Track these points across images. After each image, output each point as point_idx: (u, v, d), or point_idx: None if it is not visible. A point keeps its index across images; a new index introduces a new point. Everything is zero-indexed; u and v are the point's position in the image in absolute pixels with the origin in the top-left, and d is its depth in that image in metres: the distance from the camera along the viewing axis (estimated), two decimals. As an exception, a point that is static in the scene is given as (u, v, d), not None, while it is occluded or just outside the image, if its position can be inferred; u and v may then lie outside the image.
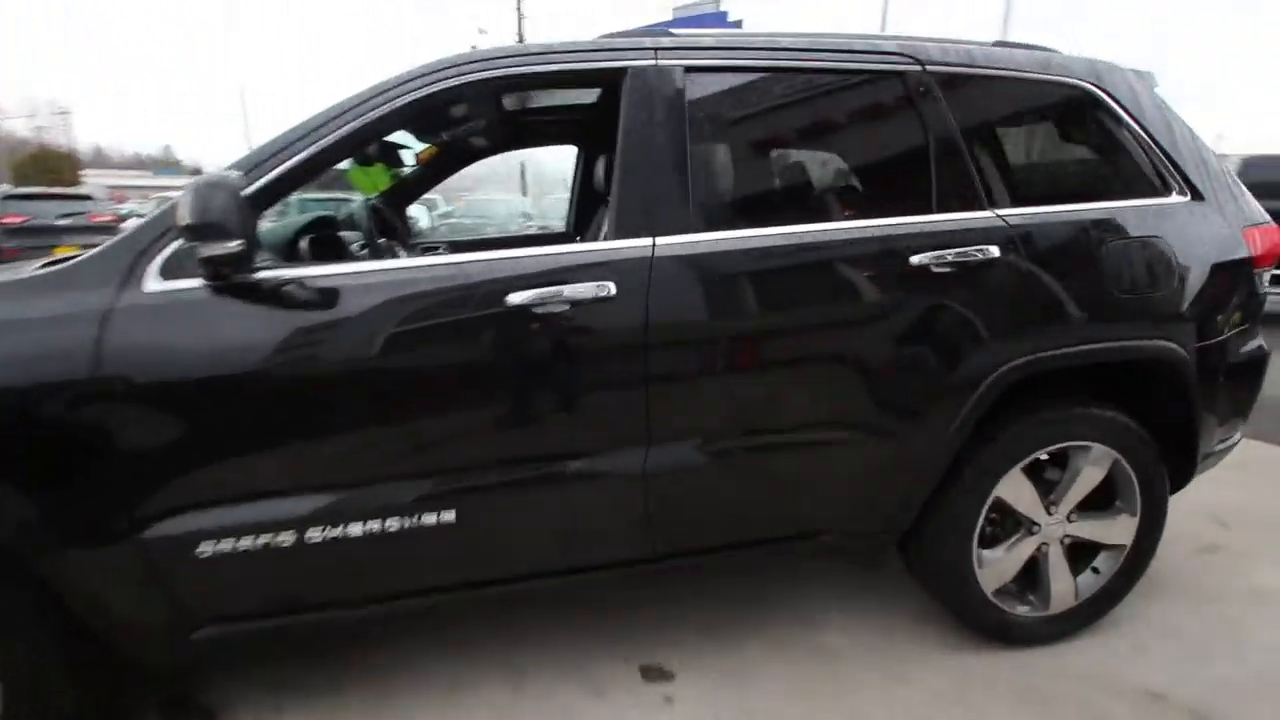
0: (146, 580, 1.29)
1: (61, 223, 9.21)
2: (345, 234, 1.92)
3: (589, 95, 2.36)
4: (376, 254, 1.69)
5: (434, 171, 2.63)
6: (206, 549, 1.28)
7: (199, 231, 1.12)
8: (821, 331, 1.47)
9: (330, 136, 1.31)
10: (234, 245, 1.12)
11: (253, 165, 1.29)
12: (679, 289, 1.38)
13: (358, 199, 2.44)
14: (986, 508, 1.65)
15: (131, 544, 1.26)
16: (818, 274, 1.46)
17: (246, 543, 1.29)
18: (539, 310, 1.31)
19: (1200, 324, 1.68)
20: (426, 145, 2.44)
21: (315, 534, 1.31)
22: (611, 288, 1.33)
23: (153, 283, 1.25)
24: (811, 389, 1.49)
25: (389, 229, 2.02)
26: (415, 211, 2.93)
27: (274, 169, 1.29)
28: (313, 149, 1.30)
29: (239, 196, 1.13)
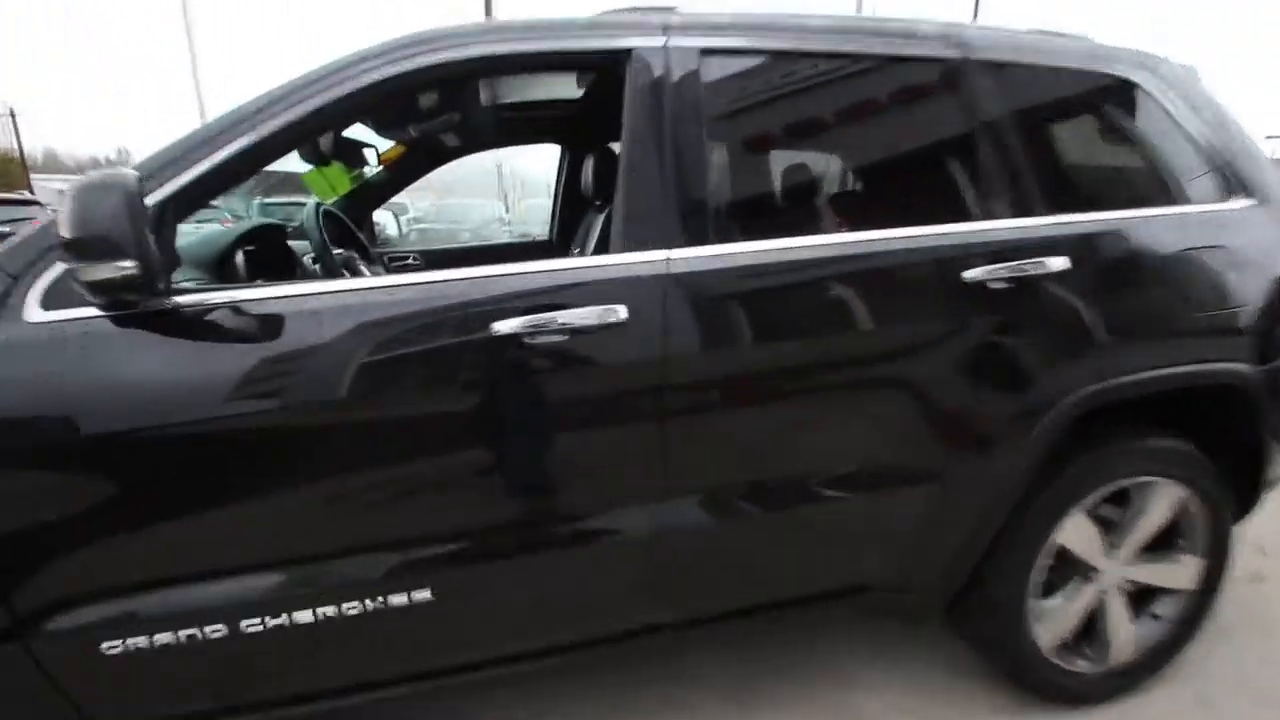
0: (39, 686, 1.03)
1: (5, 230, 8.64)
2: (297, 244, 1.65)
3: (574, 87, 2.13)
4: (330, 269, 1.43)
5: (400, 173, 2.36)
6: (114, 646, 1.01)
7: (81, 248, 0.85)
8: (866, 361, 1.25)
9: (262, 129, 1.05)
10: (126, 265, 0.86)
11: (164, 165, 1.02)
12: (700, 312, 1.15)
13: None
14: (1043, 554, 1.45)
15: (16, 643, 0.99)
16: (858, 292, 1.23)
17: (166, 637, 1.03)
18: (532, 341, 1.07)
19: (1266, 342, 1.50)
20: (392, 144, 2.17)
21: (253, 624, 1.05)
22: (621, 312, 1.09)
23: (34, 313, 0.97)
24: (854, 428, 1.26)
25: (348, 238, 1.76)
26: (381, 218, 2.66)
27: (191, 169, 1.03)
28: (240, 144, 1.04)
29: (135, 202, 0.86)
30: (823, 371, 1.23)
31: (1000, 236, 1.30)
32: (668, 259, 1.14)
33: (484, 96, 1.96)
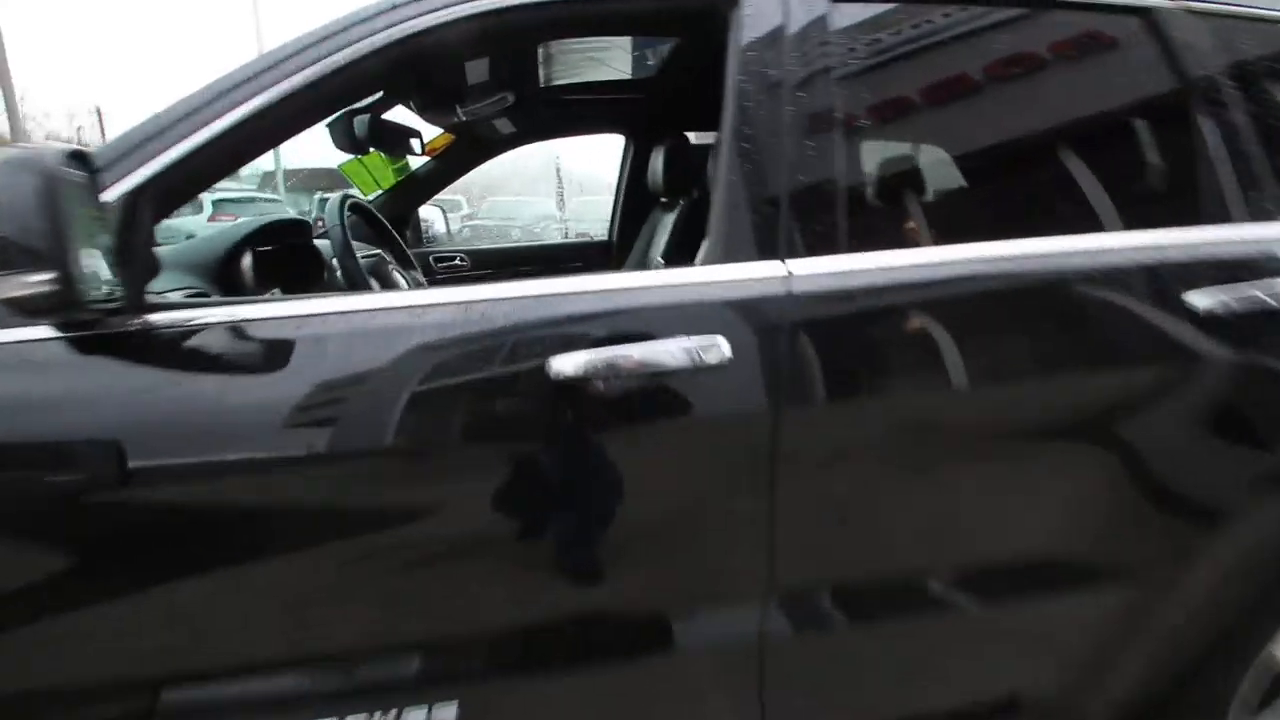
0: None
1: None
2: (324, 243, 1.42)
3: (643, 65, 1.85)
4: (354, 277, 1.19)
5: (448, 165, 2.14)
6: None
7: None
8: (1048, 415, 0.92)
9: (253, 102, 0.80)
10: (40, 280, 0.62)
11: (135, 145, 0.79)
12: (830, 346, 0.84)
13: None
14: (1258, 668, 1.09)
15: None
16: (1042, 321, 0.91)
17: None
18: (600, 386, 0.79)
19: None
20: (439, 131, 1.94)
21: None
22: (722, 347, 0.80)
23: (-33, 332, 0.76)
24: (1026, 505, 0.94)
25: (383, 237, 1.53)
26: (428, 214, 2.45)
27: (171, 149, 0.79)
28: (227, 121, 0.79)
29: (53, 191, 0.62)
30: (991, 430, 0.90)
31: (1242, 250, 0.96)
32: (788, 273, 0.84)
33: (542, 75, 1.70)
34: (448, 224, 2.83)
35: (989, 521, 0.93)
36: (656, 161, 1.86)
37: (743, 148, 0.87)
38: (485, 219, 10.22)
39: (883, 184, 0.93)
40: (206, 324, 0.79)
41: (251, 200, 11.50)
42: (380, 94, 1.51)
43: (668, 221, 1.94)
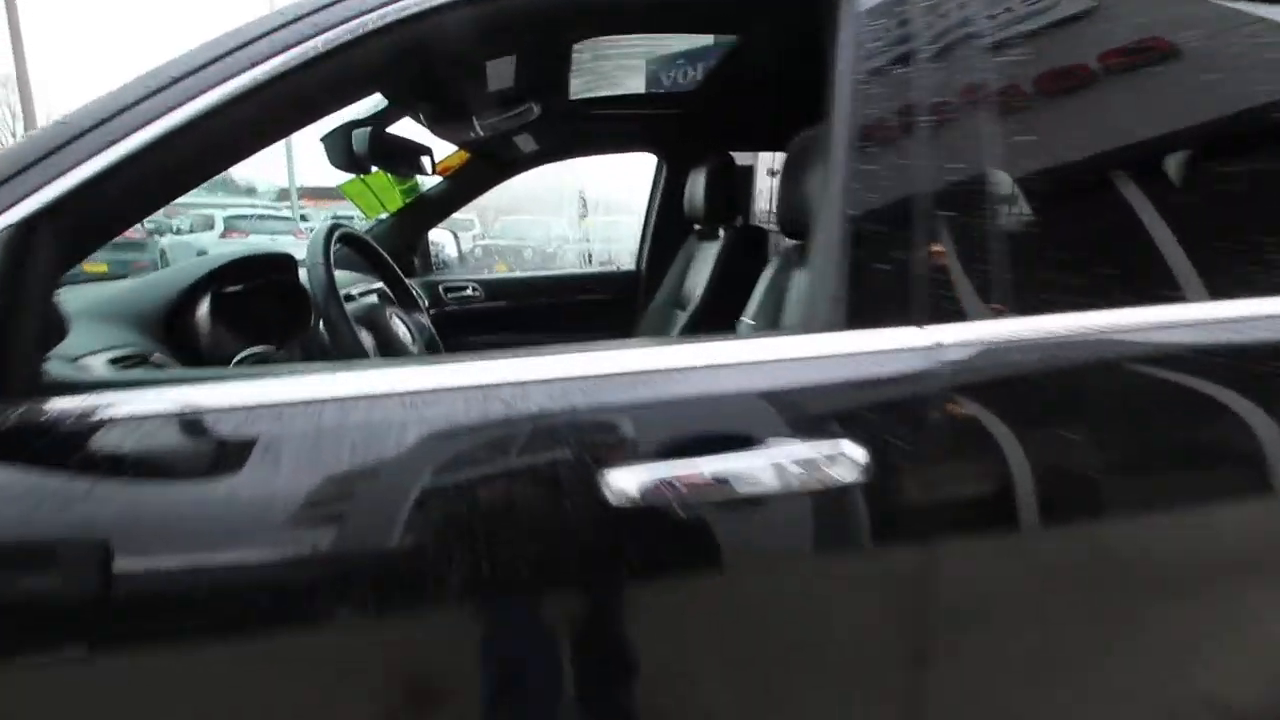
0: None
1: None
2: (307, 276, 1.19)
3: (686, 77, 1.64)
4: (338, 331, 0.95)
5: (462, 185, 1.92)
6: None
7: None
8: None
9: (200, 101, 0.57)
10: None
11: (10, 172, 0.56)
12: (1007, 447, 0.60)
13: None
14: None
15: None
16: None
17: None
18: (676, 513, 0.55)
19: None
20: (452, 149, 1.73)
21: None
22: (853, 455, 0.55)
23: None
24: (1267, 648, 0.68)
25: (383, 271, 1.30)
26: (439, 238, 2.24)
27: (77, 169, 0.56)
28: (160, 128, 0.57)
29: None
30: (1236, 556, 0.65)
31: None
32: (933, 343, 0.60)
33: (570, 86, 1.49)
34: (460, 248, 2.60)
35: (1236, 673, 0.67)
36: (696, 184, 1.63)
37: (868, 170, 0.63)
38: (497, 238, 10.07)
39: (1075, 212, 0.68)
40: (113, 417, 0.55)
41: (265, 217, 11.34)
42: (383, 103, 1.30)
43: (708, 252, 1.71)
